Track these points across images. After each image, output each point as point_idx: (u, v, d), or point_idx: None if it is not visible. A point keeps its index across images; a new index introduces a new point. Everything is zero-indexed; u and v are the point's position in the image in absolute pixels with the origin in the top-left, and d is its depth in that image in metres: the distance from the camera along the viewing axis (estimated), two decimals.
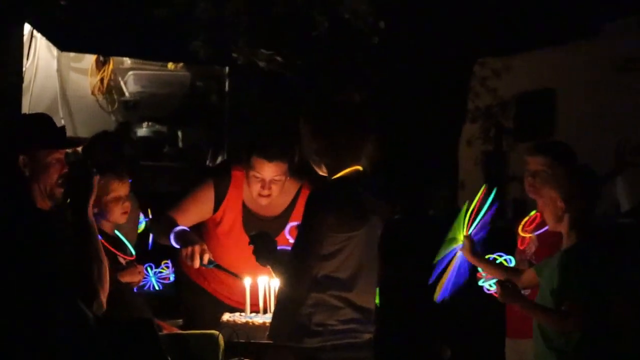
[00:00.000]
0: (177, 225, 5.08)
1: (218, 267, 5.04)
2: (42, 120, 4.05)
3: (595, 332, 4.57)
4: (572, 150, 5.63)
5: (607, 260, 4.69)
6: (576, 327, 4.53)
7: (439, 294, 4.74)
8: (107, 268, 3.76)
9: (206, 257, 4.90)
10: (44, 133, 3.93)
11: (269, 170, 5.06)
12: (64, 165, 3.92)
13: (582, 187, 4.68)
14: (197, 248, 4.89)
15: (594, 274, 4.55)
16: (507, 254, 5.22)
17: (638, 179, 10.11)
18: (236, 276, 5.01)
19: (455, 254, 4.82)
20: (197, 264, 4.88)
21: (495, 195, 4.88)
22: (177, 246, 5.00)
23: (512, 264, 5.14)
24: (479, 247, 4.81)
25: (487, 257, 5.04)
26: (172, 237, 5.01)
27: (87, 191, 3.77)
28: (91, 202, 3.78)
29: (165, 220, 5.20)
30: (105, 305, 3.74)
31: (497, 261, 5.08)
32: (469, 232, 4.81)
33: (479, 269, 5.07)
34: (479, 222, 4.83)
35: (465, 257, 4.81)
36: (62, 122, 11.76)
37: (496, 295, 4.65)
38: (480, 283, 5.04)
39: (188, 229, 5.09)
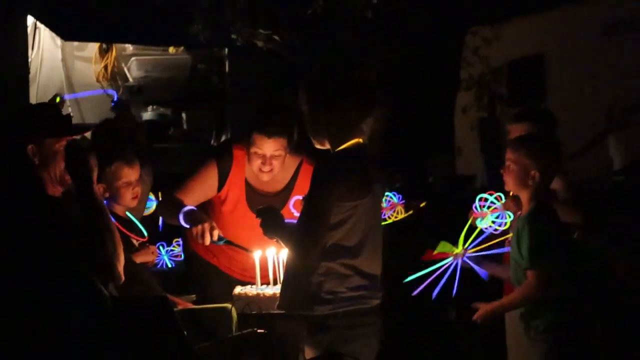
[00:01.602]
0: (184, 205, 5.09)
1: (228, 242, 5.06)
2: (48, 110, 4.06)
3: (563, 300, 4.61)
4: (554, 117, 5.61)
5: (562, 227, 4.72)
6: (541, 292, 4.53)
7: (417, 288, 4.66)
8: (120, 240, 3.77)
9: (216, 234, 4.92)
10: (49, 122, 3.93)
11: (269, 146, 5.05)
12: None
13: (556, 159, 4.70)
14: (206, 226, 4.90)
15: (551, 238, 4.56)
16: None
17: (629, 139, 10.14)
18: (246, 250, 5.02)
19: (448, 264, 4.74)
20: (207, 241, 4.90)
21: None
22: (187, 225, 5.02)
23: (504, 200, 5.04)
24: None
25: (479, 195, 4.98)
26: (181, 217, 5.03)
27: (85, 169, 3.77)
28: (94, 178, 3.78)
29: (172, 201, 5.22)
30: (123, 276, 3.75)
31: (488, 201, 5.01)
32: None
33: (475, 207, 5.00)
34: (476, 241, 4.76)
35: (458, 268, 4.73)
36: (69, 110, 11.78)
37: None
38: (477, 223, 4.97)
39: (196, 209, 5.11)
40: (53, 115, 3.99)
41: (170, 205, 5.21)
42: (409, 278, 4.54)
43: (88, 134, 6.18)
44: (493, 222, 4.91)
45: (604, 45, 11.18)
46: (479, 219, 4.96)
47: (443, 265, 4.59)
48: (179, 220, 5.05)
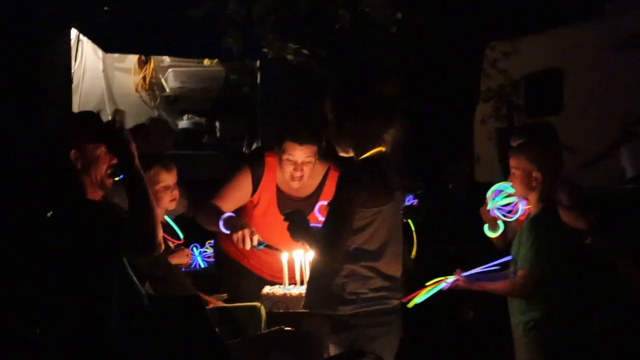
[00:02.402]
0: (222, 212, 5.11)
1: (267, 246, 5.05)
2: (89, 117, 4.12)
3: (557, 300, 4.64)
4: (554, 129, 5.63)
5: (566, 231, 4.76)
6: (523, 292, 4.57)
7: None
8: (157, 212, 3.84)
9: (255, 239, 4.93)
10: (91, 128, 3.99)
11: (300, 153, 5.09)
12: (112, 157, 3.98)
13: (554, 159, 4.75)
14: (246, 232, 4.92)
15: (551, 242, 4.60)
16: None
17: None
18: (280, 251, 5.04)
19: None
20: (248, 246, 4.91)
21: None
22: (227, 232, 5.02)
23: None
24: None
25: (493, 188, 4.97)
26: (221, 223, 5.03)
27: (126, 147, 3.83)
28: (135, 155, 3.84)
29: (210, 208, 5.22)
30: (163, 244, 3.81)
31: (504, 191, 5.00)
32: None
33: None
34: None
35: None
36: (110, 118, 11.85)
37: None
38: (488, 207, 4.96)
39: (234, 215, 5.13)
40: (94, 122, 4.05)
41: (209, 213, 5.20)
42: (413, 302, 4.57)
43: None
44: (503, 206, 4.90)
45: (617, 59, 11.14)
46: (489, 205, 4.92)
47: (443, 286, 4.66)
48: (218, 227, 5.05)
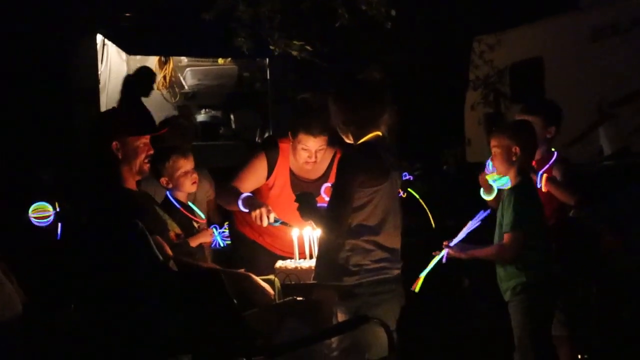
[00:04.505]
0: (241, 192, 5.10)
1: (283, 223, 5.03)
2: (131, 112, 4.13)
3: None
4: (560, 108, 5.58)
5: (540, 201, 4.76)
6: (511, 254, 4.57)
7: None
8: None
9: (272, 217, 4.91)
10: (132, 121, 3.99)
11: (313, 143, 5.09)
12: (150, 147, 4.00)
13: (531, 135, 4.77)
14: (264, 210, 4.89)
15: (531, 208, 4.64)
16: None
17: (617, 128, 10.07)
18: (293, 227, 5.01)
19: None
20: (265, 222, 4.89)
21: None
22: (246, 210, 5.00)
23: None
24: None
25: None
26: (240, 203, 5.02)
27: None
28: None
29: (230, 189, 5.22)
30: None
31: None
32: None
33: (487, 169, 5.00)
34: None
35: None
36: None
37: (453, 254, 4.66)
38: (490, 181, 4.95)
39: (252, 195, 5.12)
40: (134, 116, 4.06)
41: (229, 194, 5.20)
42: (419, 285, 4.56)
43: None
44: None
45: (593, 48, 11.09)
46: (491, 178, 4.94)
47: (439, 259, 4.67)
48: (238, 206, 5.04)
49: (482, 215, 4.72)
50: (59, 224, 5.45)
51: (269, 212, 4.90)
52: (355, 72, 4.30)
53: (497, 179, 4.84)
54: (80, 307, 3.81)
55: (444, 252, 4.66)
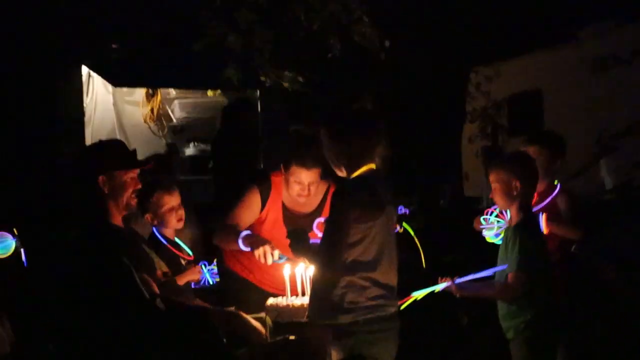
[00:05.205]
0: (239, 231, 5.06)
1: (288, 259, 4.92)
2: (118, 146, 4.12)
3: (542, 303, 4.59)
4: (563, 139, 5.58)
5: (544, 239, 4.73)
6: (514, 294, 4.52)
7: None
8: None
9: (276, 254, 4.85)
10: (119, 156, 3.99)
11: (307, 176, 5.08)
12: (137, 182, 3.99)
13: (531, 168, 4.70)
14: (267, 247, 4.83)
15: (535, 246, 4.56)
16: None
17: (618, 162, 10.10)
18: (297, 263, 4.97)
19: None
20: (270, 260, 4.83)
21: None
22: (247, 249, 4.95)
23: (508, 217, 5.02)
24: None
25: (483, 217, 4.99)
26: (240, 242, 4.97)
27: None
28: None
29: (227, 228, 5.18)
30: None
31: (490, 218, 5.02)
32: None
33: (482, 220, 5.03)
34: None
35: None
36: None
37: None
38: (484, 234, 4.97)
39: (251, 233, 5.08)
40: (121, 150, 4.05)
41: (227, 233, 5.16)
42: (407, 303, 4.50)
43: None
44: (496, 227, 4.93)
45: (592, 80, 11.17)
46: (486, 230, 4.95)
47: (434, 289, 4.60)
48: (237, 245, 4.99)
49: (499, 268, 4.66)
50: (22, 250, 5.33)
51: (272, 249, 4.84)
52: (348, 103, 4.27)
53: (489, 231, 4.86)
54: (60, 345, 3.77)
55: (448, 284, 4.59)
